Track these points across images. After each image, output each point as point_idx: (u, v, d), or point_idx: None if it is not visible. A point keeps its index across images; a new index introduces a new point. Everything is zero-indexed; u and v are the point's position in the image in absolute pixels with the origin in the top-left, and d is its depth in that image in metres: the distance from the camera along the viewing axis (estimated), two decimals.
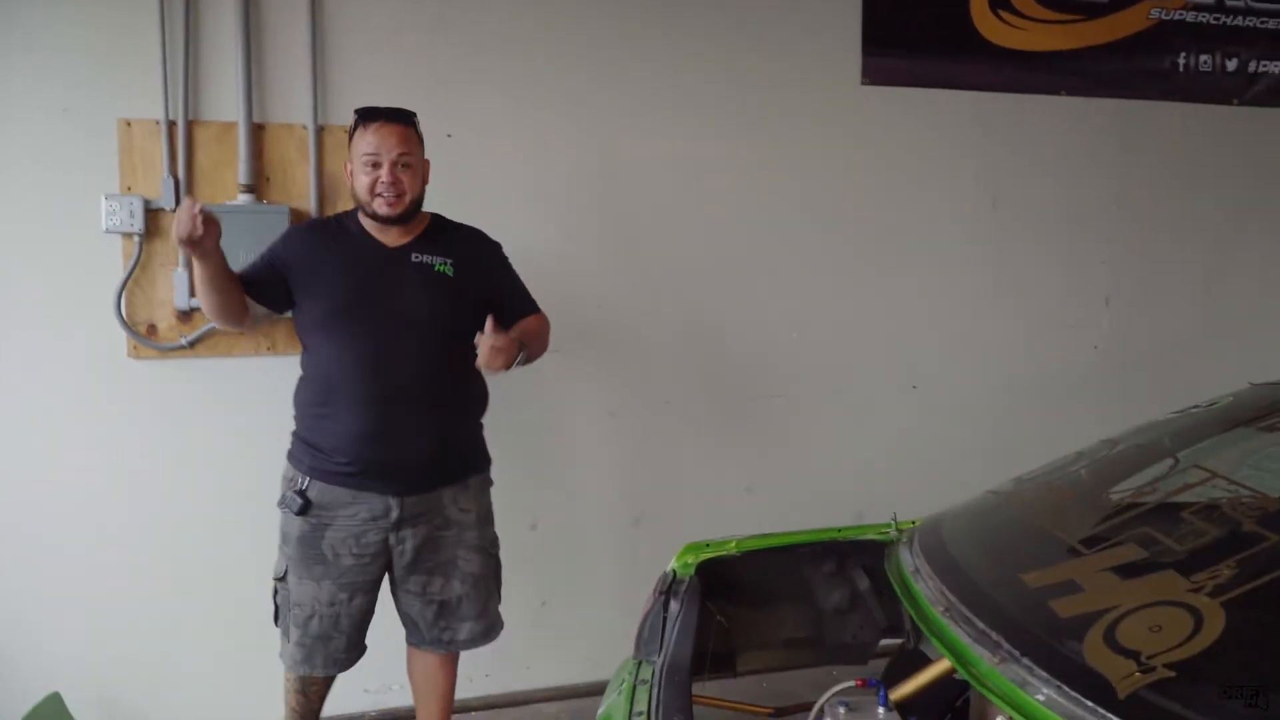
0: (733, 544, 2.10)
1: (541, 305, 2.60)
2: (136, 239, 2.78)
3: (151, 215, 2.79)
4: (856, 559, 2.10)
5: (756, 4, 3.28)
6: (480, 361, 2.19)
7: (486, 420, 2.55)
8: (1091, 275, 3.66)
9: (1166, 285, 3.72)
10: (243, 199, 2.84)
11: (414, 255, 2.34)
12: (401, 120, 2.32)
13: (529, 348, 2.34)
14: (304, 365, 2.38)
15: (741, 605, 2.15)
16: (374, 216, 2.31)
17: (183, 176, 2.82)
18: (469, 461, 2.48)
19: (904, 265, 3.48)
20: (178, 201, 2.77)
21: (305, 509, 2.27)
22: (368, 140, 2.27)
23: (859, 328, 3.45)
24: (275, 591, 2.36)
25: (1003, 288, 3.58)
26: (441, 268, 2.35)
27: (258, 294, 2.30)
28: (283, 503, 2.31)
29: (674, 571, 2.03)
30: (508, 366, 2.22)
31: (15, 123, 2.73)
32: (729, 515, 3.20)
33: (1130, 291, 3.69)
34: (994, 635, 1.34)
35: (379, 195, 2.26)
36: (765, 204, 3.33)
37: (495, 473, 2.79)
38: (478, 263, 2.44)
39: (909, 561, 1.75)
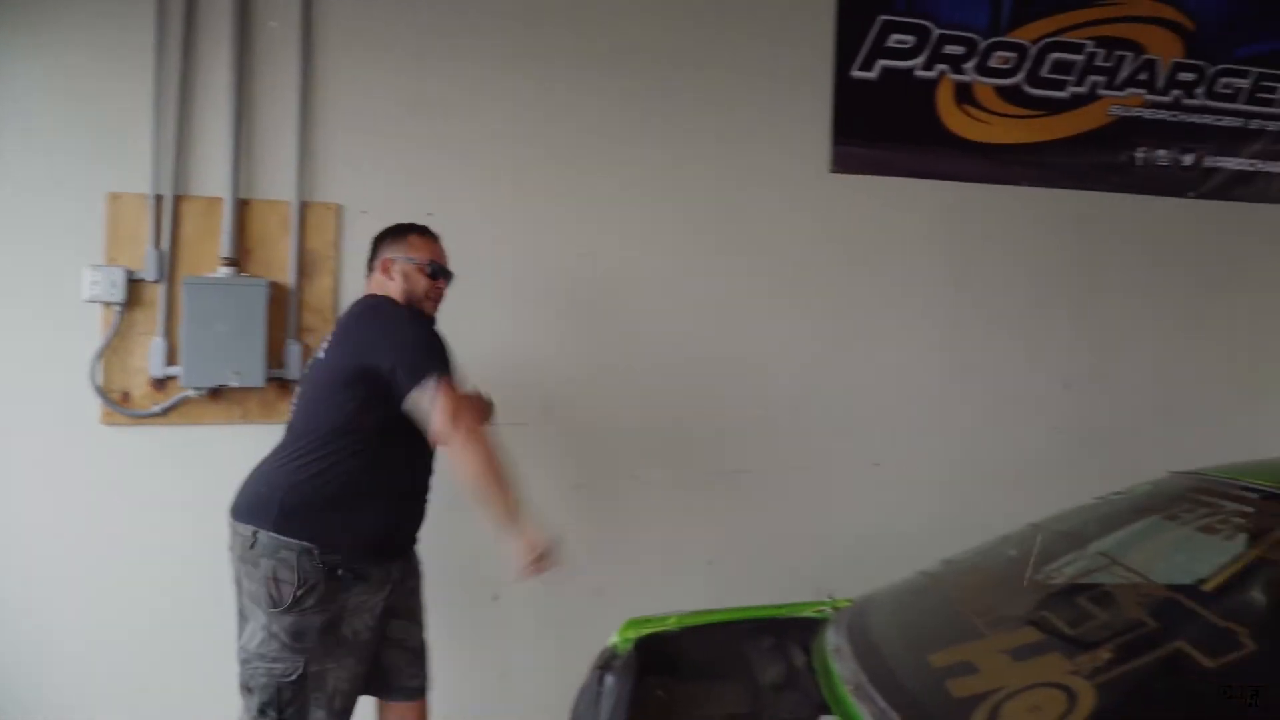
0: (673, 620, 2.15)
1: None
2: (117, 308, 2.88)
3: (134, 286, 2.90)
4: (795, 636, 2.14)
5: (730, 91, 3.43)
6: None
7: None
8: (1051, 359, 3.75)
9: (1122, 370, 3.81)
10: (223, 271, 2.95)
11: None
12: None
13: None
14: (373, 455, 2.32)
15: (683, 680, 2.19)
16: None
17: (167, 248, 2.93)
18: None
19: (869, 345, 3.57)
20: (161, 273, 2.91)
21: (328, 602, 2.24)
22: (435, 249, 2.60)
23: (824, 405, 3.53)
24: (280, 690, 2.23)
25: (964, 369, 3.66)
26: None
27: None
28: (295, 606, 2.22)
29: (614, 647, 2.08)
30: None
31: (6, 195, 2.85)
32: (691, 588, 3.26)
33: (1088, 376, 3.78)
34: (892, 714, 1.40)
35: (431, 300, 2.55)
36: (735, 285, 3.44)
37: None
38: None
39: (833, 640, 1.80)
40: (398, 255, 2.54)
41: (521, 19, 3.25)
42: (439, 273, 2.57)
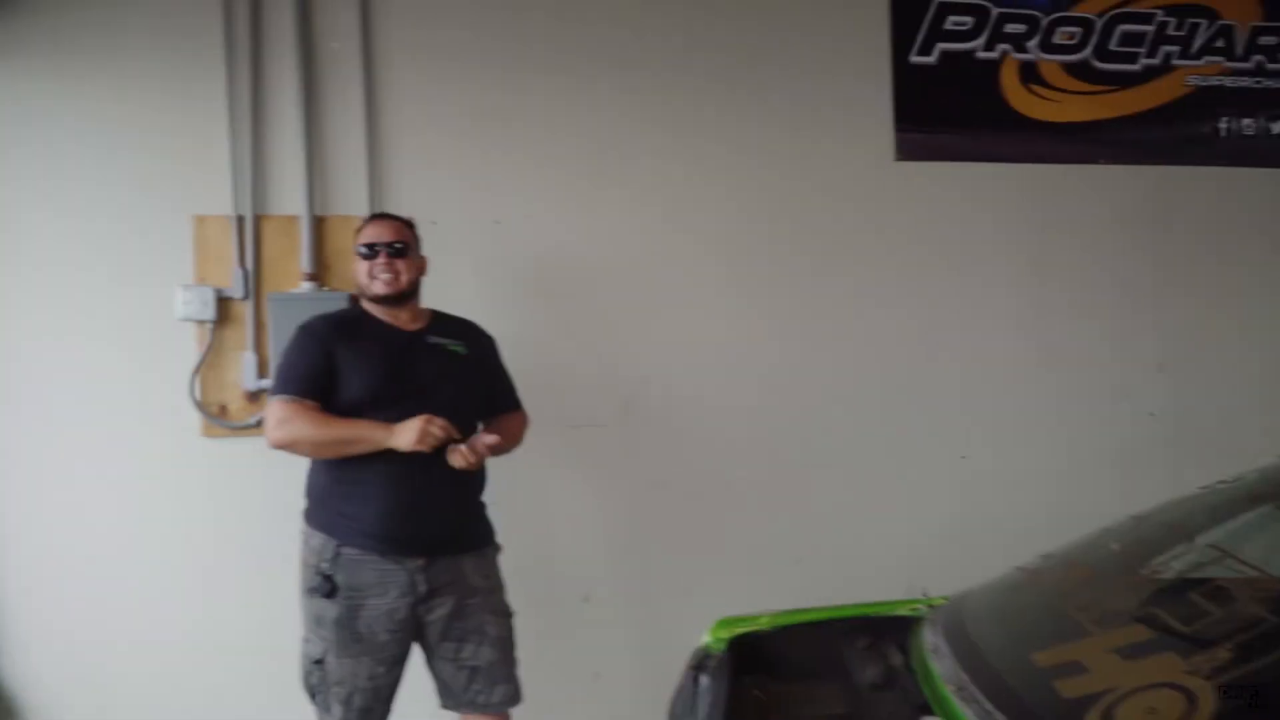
0: (765, 619, 2.13)
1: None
2: (209, 326, 3.00)
3: (223, 304, 3.02)
4: (891, 635, 2.11)
5: (788, 84, 3.41)
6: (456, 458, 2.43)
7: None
8: (1142, 342, 3.63)
9: (1220, 349, 3.65)
10: (305, 286, 3.04)
11: (429, 338, 2.58)
12: (396, 218, 2.65)
13: (504, 447, 2.60)
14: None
15: (778, 681, 2.18)
16: (375, 299, 2.54)
17: (251, 267, 3.02)
18: (484, 532, 2.63)
19: (948, 337, 3.51)
20: (247, 291, 3.01)
21: (333, 592, 2.37)
22: (366, 233, 2.58)
23: (909, 399, 3.48)
24: (309, 673, 2.43)
25: (1050, 357, 3.56)
26: (455, 348, 2.59)
27: (325, 398, 2.43)
28: (314, 589, 2.39)
29: (707, 647, 2.08)
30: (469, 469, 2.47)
31: (98, 222, 2.99)
32: (778, 586, 3.22)
33: (1184, 357, 3.64)
34: (999, 715, 1.37)
35: (376, 277, 2.51)
36: (804, 281, 3.42)
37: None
38: (481, 348, 2.69)
39: (930, 639, 1.77)
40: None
41: (574, 23, 3.28)
42: (371, 251, 2.53)
